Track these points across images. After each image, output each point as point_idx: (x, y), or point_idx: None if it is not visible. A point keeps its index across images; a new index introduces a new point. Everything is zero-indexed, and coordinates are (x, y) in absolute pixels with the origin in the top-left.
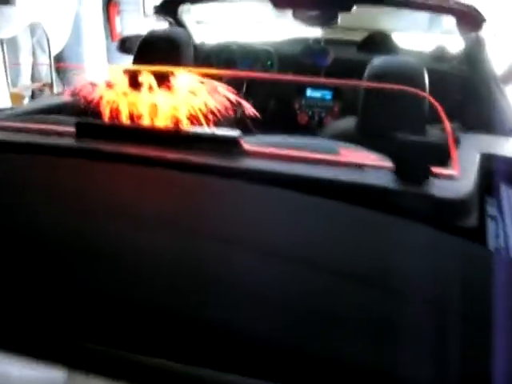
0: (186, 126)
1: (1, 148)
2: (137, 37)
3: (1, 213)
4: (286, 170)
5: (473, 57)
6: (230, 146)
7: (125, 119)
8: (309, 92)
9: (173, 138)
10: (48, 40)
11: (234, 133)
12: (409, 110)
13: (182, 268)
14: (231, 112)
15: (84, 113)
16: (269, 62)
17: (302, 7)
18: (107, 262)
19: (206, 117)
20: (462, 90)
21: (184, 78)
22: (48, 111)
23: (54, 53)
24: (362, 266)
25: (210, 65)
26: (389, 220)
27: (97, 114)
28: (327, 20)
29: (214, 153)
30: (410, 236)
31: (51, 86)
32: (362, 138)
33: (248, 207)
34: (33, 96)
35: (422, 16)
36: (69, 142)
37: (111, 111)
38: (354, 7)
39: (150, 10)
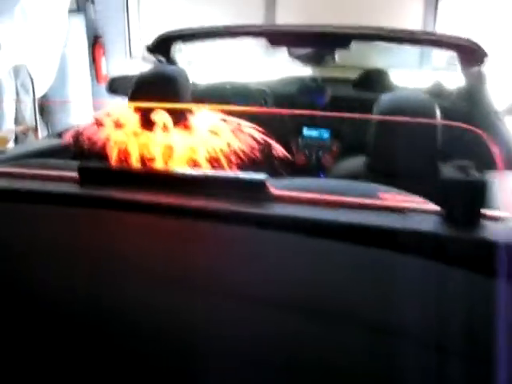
0: (206, 170)
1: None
2: (127, 77)
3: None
4: (321, 216)
5: (474, 92)
6: (256, 191)
7: (135, 163)
8: (305, 131)
9: (191, 182)
10: (32, 82)
11: (260, 176)
12: (423, 146)
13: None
14: (257, 153)
15: (85, 156)
16: (264, 102)
17: (298, 45)
18: (123, 326)
19: (228, 159)
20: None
21: (203, 115)
22: (40, 155)
23: (38, 95)
24: (420, 324)
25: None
26: (443, 269)
27: (102, 156)
28: (324, 58)
29: (238, 199)
30: (464, 286)
31: (35, 129)
32: (374, 178)
33: (282, 260)
34: (16, 140)
35: (413, 53)
36: (72, 188)
37: (119, 154)
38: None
39: (136, 52)
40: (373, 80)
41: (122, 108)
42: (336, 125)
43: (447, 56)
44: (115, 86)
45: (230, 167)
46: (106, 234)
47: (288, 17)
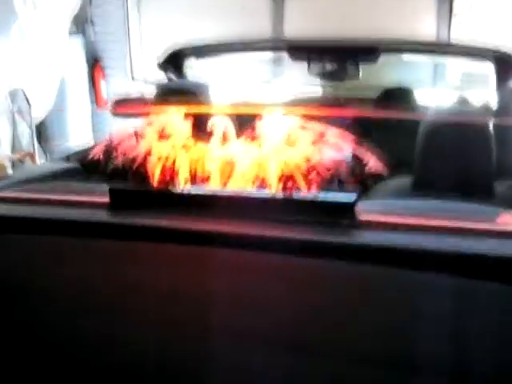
0: (278, 191)
1: (14, 226)
2: (133, 98)
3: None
4: (432, 245)
5: (507, 107)
6: (340, 216)
7: (184, 183)
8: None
9: (259, 207)
10: (29, 107)
11: (347, 197)
12: (479, 162)
13: None
14: (344, 169)
15: (116, 175)
16: None
17: (322, 60)
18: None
19: (306, 177)
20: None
21: (277, 121)
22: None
23: (36, 120)
24: None
25: None
26: None
27: (140, 176)
28: (347, 74)
29: (319, 227)
30: None
31: (33, 155)
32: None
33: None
34: (13, 167)
35: (426, 71)
36: (102, 216)
37: (163, 172)
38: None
39: (138, 74)
40: (395, 99)
41: (169, 115)
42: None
43: (462, 73)
44: (120, 108)
45: (309, 188)
46: (148, 273)
47: (296, 27)
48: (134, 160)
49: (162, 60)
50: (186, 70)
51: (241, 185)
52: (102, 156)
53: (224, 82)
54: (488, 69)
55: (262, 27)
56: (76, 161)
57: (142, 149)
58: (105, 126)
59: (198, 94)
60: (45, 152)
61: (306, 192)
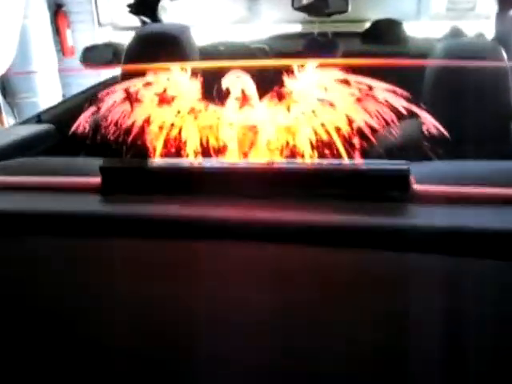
0: (310, 162)
1: None
2: (104, 46)
3: None
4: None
5: (507, 37)
6: (392, 188)
7: (194, 157)
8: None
9: (286, 182)
10: None
11: (398, 164)
12: (496, 103)
13: None
14: (396, 131)
15: (108, 149)
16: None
17: None
18: None
19: (348, 143)
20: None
21: (309, 74)
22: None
23: None
24: None
25: None
26: None
27: (138, 150)
28: (335, 8)
29: (364, 204)
30: None
31: None
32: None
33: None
34: None
35: (410, 2)
36: (91, 205)
37: (167, 144)
38: None
39: (105, 19)
40: (383, 31)
41: (171, 71)
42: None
43: (447, 2)
44: (90, 57)
45: (350, 156)
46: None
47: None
48: (129, 130)
49: (134, 2)
50: (160, 12)
51: (266, 156)
52: (87, 126)
53: (200, 23)
54: None
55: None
56: (49, 121)
57: (138, 116)
58: (74, 75)
59: (182, 37)
60: (12, 108)
61: (348, 162)
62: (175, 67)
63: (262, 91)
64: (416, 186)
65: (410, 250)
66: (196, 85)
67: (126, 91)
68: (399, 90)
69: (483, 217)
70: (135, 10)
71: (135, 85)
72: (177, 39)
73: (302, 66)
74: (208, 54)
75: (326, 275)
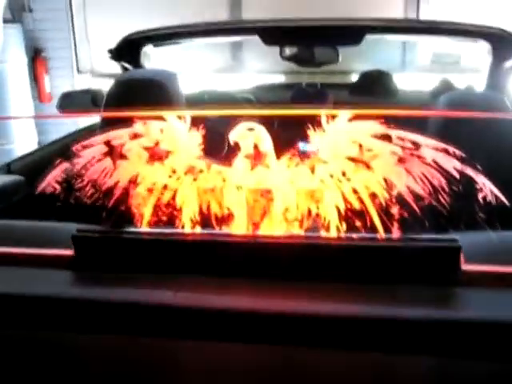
0: (342, 236)
1: None
2: (82, 92)
3: None
4: None
5: (499, 88)
6: (442, 269)
7: (191, 226)
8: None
9: (306, 261)
10: None
11: (449, 239)
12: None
13: None
14: (446, 198)
15: (84, 213)
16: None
17: (302, 43)
18: None
19: (384, 213)
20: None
21: (339, 128)
22: None
23: None
24: None
25: None
26: None
27: (121, 216)
28: (325, 59)
29: (406, 292)
30: None
31: None
32: None
33: None
34: None
35: (395, 55)
36: (59, 285)
37: (156, 210)
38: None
39: (85, 65)
40: (372, 83)
41: (164, 120)
42: None
43: (431, 56)
44: (67, 103)
45: (388, 228)
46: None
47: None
48: (110, 192)
49: (115, 47)
50: (142, 58)
51: (281, 228)
52: (56, 187)
53: (183, 70)
54: (463, 48)
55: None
56: (19, 172)
57: (123, 175)
58: (49, 122)
59: (167, 84)
60: None
61: (384, 236)
62: (170, 115)
63: (280, 147)
64: (468, 266)
65: (460, 349)
66: (196, 138)
67: (108, 144)
68: (451, 149)
69: None
70: (116, 55)
71: (120, 136)
72: (162, 86)
73: (332, 116)
74: (194, 102)
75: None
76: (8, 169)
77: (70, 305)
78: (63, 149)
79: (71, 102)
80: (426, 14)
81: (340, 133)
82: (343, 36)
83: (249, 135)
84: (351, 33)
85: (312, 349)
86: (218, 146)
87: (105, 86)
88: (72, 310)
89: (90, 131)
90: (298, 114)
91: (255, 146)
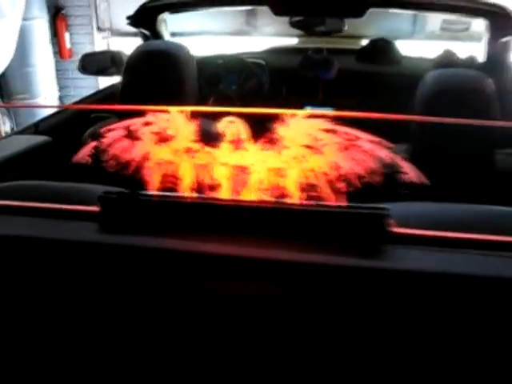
0: (300, 202)
1: None
2: (102, 54)
3: None
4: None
5: (495, 62)
6: (371, 230)
7: (189, 192)
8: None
9: (275, 221)
10: None
11: (378, 207)
12: (481, 134)
13: None
14: (378, 178)
15: (109, 181)
16: (262, 77)
17: (307, 14)
18: None
19: (333, 187)
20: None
21: (298, 123)
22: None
23: None
24: None
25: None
26: None
27: (136, 184)
28: (330, 28)
29: (346, 245)
30: None
31: None
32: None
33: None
34: None
35: (405, 21)
36: (90, 233)
37: (164, 180)
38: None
39: (104, 23)
40: (378, 51)
41: (169, 113)
42: (342, 104)
43: (441, 22)
44: (88, 64)
45: (336, 199)
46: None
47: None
48: (128, 165)
49: (133, 15)
50: (159, 24)
51: (256, 195)
52: (89, 157)
53: (197, 33)
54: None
55: None
56: (46, 132)
57: (138, 152)
58: (70, 77)
59: (180, 56)
60: (8, 109)
61: (332, 203)
62: (174, 109)
63: (255, 136)
64: (394, 229)
65: (380, 292)
66: (193, 127)
67: (127, 129)
68: (384, 142)
69: (457, 262)
70: (134, 22)
71: (135, 123)
72: (176, 57)
73: (294, 114)
74: (206, 66)
75: (305, 309)
76: (36, 129)
77: (97, 248)
78: (86, 112)
79: (91, 63)
80: None
81: (299, 126)
82: (347, 8)
83: (231, 126)
84: (354, 6)
85: (273, 285)
86: (208, 133)
87: (124, 44)
88: (98, 253)
89: (108, 92)
90: (270, 112)
91: (236, 134)
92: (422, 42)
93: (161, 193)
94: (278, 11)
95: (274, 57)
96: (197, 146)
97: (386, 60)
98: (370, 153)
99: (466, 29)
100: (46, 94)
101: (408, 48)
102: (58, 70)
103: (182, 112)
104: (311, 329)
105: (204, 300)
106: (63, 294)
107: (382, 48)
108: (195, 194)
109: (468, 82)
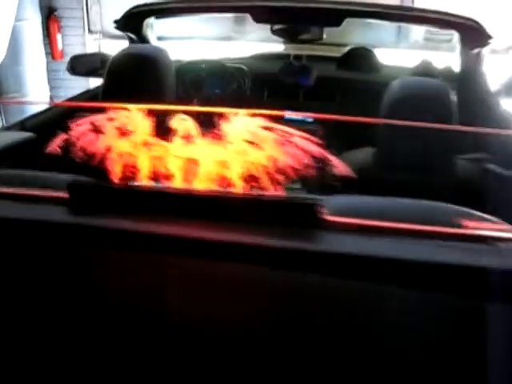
0: (241, 191)
1: None
2: (90, 55)
3: None
4: (395, 252)
5: (469, 73)
6: (304, 218)
7: (145, 181)
8: (287, 115)
9: (220, 207)
10: None
11: (311, 198)
12: (439, 142)
13: None
14: (311, 171)
15: (77, 171)
16: (243, 82)
17: (286, 22)
18: None
19: (271, 178)
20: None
21: (240, 122)
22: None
23: None
24: None
25: (177, 86)
26: None
27: (100, 173)
28: (311, 36)
29: (282, 230)
30: None
31: None
32: (384, 173)
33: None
34: None
35: (390, 30)
36: (59, 214)
37: (124, 169)
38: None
39: (95, 26)
40: (358, 59)
41: (129, 111)
42: (321, 108)
43: (424, 33)
44: (77, 65)
45: (274, 188)
46: (100, 277)
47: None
48: (93, 156)
49: (120, 19)
50: (145, 29)
51: (204, 184)
52: (60, 149)
53: (185, 38)
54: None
55: None
56: (32, 129)
57: (102, 144)
58: (61, 78)
59: (158, 59)
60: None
61: (271, 193)
62: (136, 107)
63: (204, 132)
64: (326, 216)
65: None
66: (150, 123)
67: (93, 124)
68: (314, 139)
69: (379, 246)
70: (121, 26)
71: (100, 119)
72: (154, 60)
73: (236, 113)
74: (191, 70)
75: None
76: (22, 126)
77: (65, 227)
78: (71, 110)
79: (81, 65)
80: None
81: (242, 124)
82: (324, 18)
83: (183, 123)
84: (331, 15)
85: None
86: (164, 129)
87: (114, 46)
88: (66, 231)
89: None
90: (217, 111)
91: (187, 130)
92: (407, 51)
93: (122, 182)
94: (258, 19)
95: (256, 62)
96: (153, 140)
97: (365, 67)
98: (302, 148)
99: (450, 40)
100: (37, 94)
101: (392, 57)
102: (49, 71)
103: (141, 110)
104: (247, 300)
105: (157, 274)
106: (33, 270)
107: (361, 56)
108: (152, 183)
109: (428, 89)
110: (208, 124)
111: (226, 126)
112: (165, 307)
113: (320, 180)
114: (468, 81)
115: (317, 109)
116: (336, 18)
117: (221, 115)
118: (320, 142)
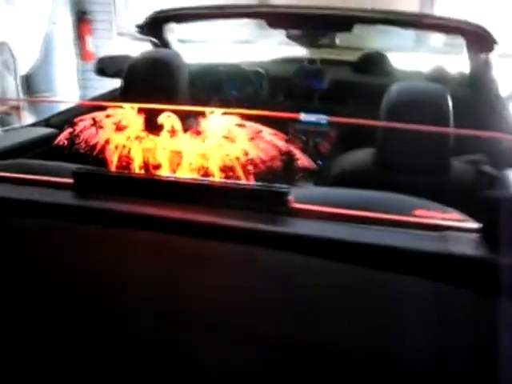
0: (218, 180)
1: None
2: (116, 57)
3: None
4: (346, 236)
5: (478, 78)
6: (274, 204)
7: (138, 169)
8: (302, 116)
9: (200, 193)
10: (15, 60)
11: (280, 187)
12: (436, 142)
13: None
14: (278, 163)
15: (81, 160)
16: (260, 85)
17: (299, 28)
18: None
19: (244, 169)
20: (468, 113)
21: (217, 119)
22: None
23: (21, 73)
24: None
25: (196, 88)
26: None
27: (100, 162)
28: (323, 41)
29: (253, 214)
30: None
31: (18, 108)
32: (383, 173)
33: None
34: (1, 123)
35: (409, 34)
36: (64, 198)
37: (120, 159)
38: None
39: (124, 29)
40: (372, 63)
41: (124, 109)
42: (335, 111)
43: (444, 37)
44: (103, 67)
45: (247, 177)
46: (100, 252)
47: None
48: (94, 147)
49: (142, 24)
50: (166, 33)
51: (187, 173)
52: (66, 141)
53: (207, 42)
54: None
55: None
56: (56, 126)
57: (101, 137)
58: (90, 79)
59: (173, 63)
60: (32, 108)
61: (243, 182)
62: (130, 105)
63: (186, 127)
64: (293, 204)
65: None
66: (141, 119)
67: (93, 119)
68: (280, 134)
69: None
70: (143, 31)
71: (99, 116)
72: (167, 64)
73: (213, 112)
74: (206, 74)
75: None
76: (47, 123)
77: (71, 209)
78: (93, 109)
79: (107, 67)
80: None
81: (219, 121)
82: (335, 24)
83: (168, 119)
84: (341, 22)
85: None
86: (156, 125)
87: (142, 49)
88: (72, 212)
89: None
90: (198, 110)
91: (172, 125)
92: (428, 56)
93: (118, 170)
94: (272, 24)
95: (275, 66)
96: (144, 134)
97: (378, 72)
98: (270, 143)
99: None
100: (68, 93)
101: (412, 62)
102: (79, 71)
103: (133, 109)
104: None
105: (149, 249)
106: (41, 245)
107: (374, 60)
108: (143, 171)
109: (424, 94)
110: (191, 121)
111: (205, 123)
112: (155, 279)
113: (285, 171)
114: (476, 86)
115: (330, 111)
116: (344, 24)
117: (201, 114)
118: (285, 137)
